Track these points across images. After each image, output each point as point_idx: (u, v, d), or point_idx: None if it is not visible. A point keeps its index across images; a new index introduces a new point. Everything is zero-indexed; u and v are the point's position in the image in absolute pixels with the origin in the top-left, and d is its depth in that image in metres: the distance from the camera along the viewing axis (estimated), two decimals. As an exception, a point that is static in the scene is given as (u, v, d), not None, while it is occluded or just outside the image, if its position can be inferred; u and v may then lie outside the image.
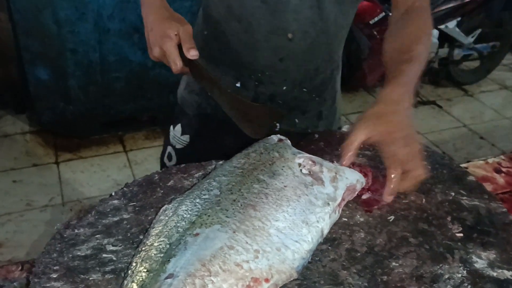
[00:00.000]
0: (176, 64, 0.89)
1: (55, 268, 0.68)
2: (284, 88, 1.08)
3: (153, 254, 0.64)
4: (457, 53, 3.43)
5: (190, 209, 0.70)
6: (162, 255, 0.64)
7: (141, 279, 0.62)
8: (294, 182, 0.75)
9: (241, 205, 0.70)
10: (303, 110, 1.14)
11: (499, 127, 3.26)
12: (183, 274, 0.60)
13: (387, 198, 0.79)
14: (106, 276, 0.66)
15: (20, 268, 0.81)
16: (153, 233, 0.68)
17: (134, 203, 0.81)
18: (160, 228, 0.69)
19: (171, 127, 1.23)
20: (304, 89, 1.10)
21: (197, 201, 0.72)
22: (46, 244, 0.72)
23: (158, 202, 0.81)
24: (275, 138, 0.87)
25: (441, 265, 0.69)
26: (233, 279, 0.60)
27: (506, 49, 3.70)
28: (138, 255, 0.65)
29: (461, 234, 0.75)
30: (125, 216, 0.78)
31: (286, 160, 0.80)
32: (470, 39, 3.39)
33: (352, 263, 0.69)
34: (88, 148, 2.85)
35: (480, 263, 0.70)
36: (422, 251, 0.71)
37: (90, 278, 0.66)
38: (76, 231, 0.75)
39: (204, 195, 0.73)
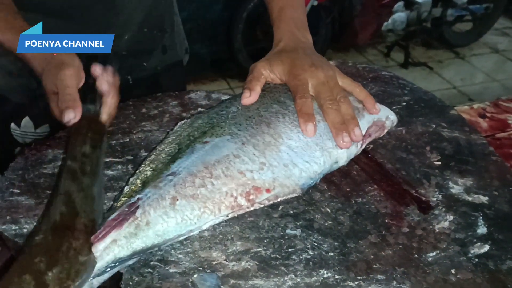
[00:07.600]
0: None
1: (19, 184, 0.66)
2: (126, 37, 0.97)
3: (161, 157, 0.65)
4: (450, 13, 3.37)
5: (205, 122, 0.70)
6: (169, 157, 0.65)
7: (145, 176, 0.63)
8: (317, 107, 0.71)
9: (256, 122, 0.68)
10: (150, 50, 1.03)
11: (489, 90, 3.25)
12: (184, 173, 0.61)
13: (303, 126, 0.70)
14: (72, 192, 0.64)
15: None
16: (166, 141, 0.69)
17: (106, 127, 0.78)
18: (173, 137, 0.69)
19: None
20: (145, 29, 0.99)
21: (213, 115, 0.71)
22: (12, 162, 0.70)
23: (131, 127, 0.79)
24: None
25: (417, 189, 0.68)
26: (233, 184, 0.61)
27: (499, 11, 3.65)
28: (147, 159, 0.66)
29: (439, 162, 0.74)
30: (96, 139, 0.76)
31: None
32: (463, -1, 3.34)
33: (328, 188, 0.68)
34: None
35: (456, 189, 0.69)
36: (399, 177, 0.70)
37: (56, 194, 0.64)
38: (43, 151, 0.72)
39: (222, 111, 0.72)
